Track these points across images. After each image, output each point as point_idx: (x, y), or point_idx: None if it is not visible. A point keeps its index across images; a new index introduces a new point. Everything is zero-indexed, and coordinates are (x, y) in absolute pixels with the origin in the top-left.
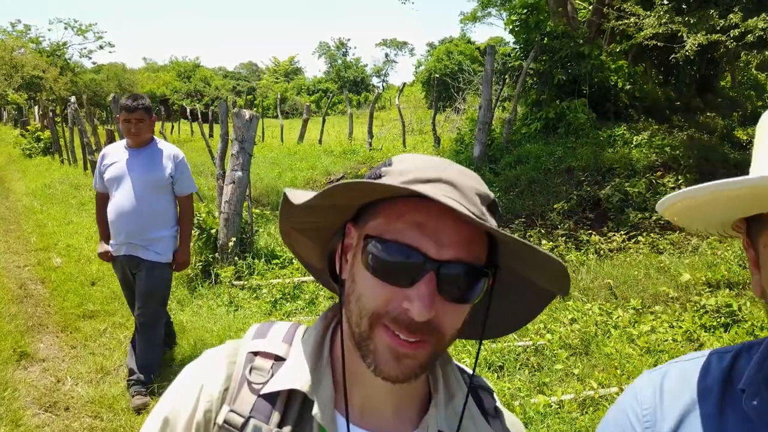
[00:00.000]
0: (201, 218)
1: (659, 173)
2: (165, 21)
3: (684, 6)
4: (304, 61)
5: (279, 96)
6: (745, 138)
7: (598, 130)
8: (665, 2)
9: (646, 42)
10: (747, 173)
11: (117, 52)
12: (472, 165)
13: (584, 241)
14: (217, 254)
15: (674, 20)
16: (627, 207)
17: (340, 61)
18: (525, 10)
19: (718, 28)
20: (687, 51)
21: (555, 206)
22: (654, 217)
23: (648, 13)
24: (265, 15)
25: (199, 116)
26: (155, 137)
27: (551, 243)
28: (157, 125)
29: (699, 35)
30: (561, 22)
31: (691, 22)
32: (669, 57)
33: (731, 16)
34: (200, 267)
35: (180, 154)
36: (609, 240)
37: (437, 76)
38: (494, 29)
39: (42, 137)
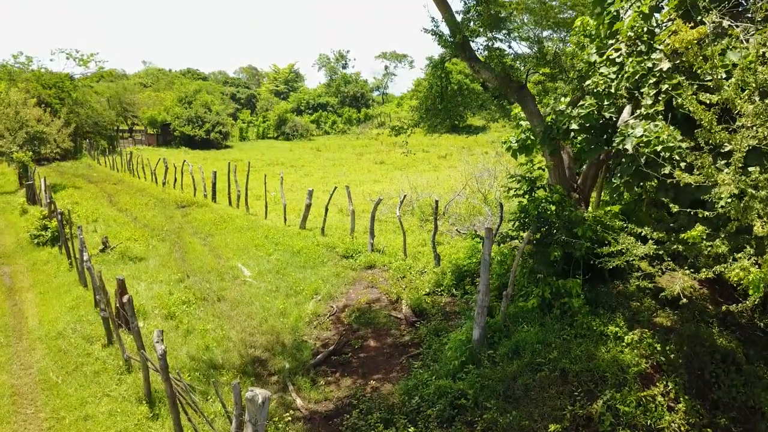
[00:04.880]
0: None
1: (647, 391)
2: (164, 22)
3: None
4: (303, 71)
5: (278, 118)
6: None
7: (592, 321)
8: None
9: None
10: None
11: (116, 57)
12: (472, 356)
13: None
14: None
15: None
16: (618, 426)
17: (339, 74)
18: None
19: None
20: (672, 292)
21: (550, 429)
22: None
23: (639, 245)
24: (266, 23)
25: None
26: None
27: None
28: (159, 151)
29: (681, 273)
30: (557, 189)
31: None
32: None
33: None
34: None
35: None
36: None
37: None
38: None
39: (49, 226)
